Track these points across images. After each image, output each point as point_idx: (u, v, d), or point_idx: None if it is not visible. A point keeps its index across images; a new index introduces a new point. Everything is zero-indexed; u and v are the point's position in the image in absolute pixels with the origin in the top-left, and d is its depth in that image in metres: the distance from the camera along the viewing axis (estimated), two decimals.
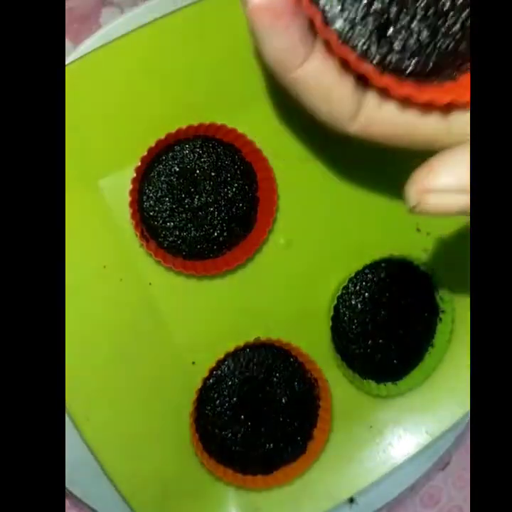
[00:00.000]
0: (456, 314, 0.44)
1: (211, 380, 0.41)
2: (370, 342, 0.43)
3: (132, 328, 0.41)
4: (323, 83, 0.25)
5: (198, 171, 0.41)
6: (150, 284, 0.41)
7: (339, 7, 0.22)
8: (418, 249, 0.44)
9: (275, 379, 0.42)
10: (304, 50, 0.24)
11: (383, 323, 0.43)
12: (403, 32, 0.23)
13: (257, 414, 0.42)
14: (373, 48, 0.23)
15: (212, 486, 0.42)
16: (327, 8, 0.22)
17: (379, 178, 0.44)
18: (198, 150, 0.41)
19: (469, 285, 0.44)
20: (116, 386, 0.40)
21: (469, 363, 0.43)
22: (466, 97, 0.23)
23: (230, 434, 0.41)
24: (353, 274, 0.43)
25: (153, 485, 0.41)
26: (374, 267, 0.43)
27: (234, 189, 0.41)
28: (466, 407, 0.43)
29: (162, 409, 0.41)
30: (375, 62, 0.23)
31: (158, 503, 0.41)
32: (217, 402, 0.41)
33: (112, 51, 0.39)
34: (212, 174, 0.41)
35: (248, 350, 0.42)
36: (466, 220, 0.45)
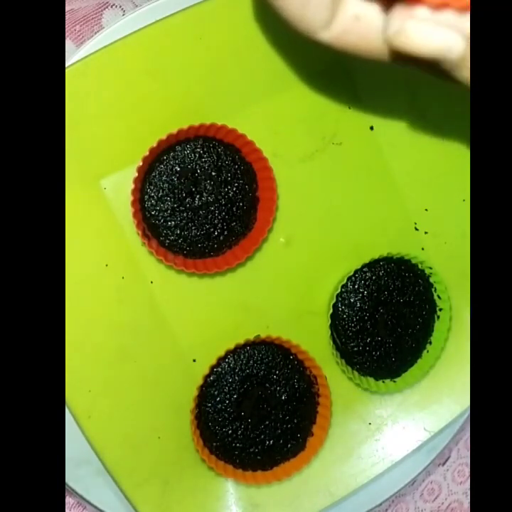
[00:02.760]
0: (454, 312, 0.44)
1: (212, 377, 0.42)
2: (368, 340, 0.43)
3: (134, 326, 0.41)
4: None
5: (198, 171, 0.41)
6: (151, 282, 0.42)
7: None
8: (416, 247, 0.45)
9: (275, 376, 0.42)
10: None
11: (382, 321, 0.44)
12: None
13: (257, 411, 0.42)
14: None
15: (212, 481, 0.42)
16: None
17: (378, 177, 0.44)
18: (198, 150, 0.41)
19: (467, 283, 0.45)
20: (118, 383, 0.41)
21: (467, 360, 0.44)
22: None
23: (230, 431, 0.42)
24: (352, 273, 0.43)
25: (153, 481, 0.41)
26: (373, 265, 0.43)
27: (234, 189, 0.42)
28: (464, 403, 0.44)
29: (163, 406, 0.41)
30: None
31: (158, 499, 0.41)
32: (218, 399, 0.42)
33: (113, 52, 0.40)
34: (213, 174, 0.42)
35: (248, 347, 0.42)
36: (465, 219, 0.46)
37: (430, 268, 0.44)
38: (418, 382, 0.44)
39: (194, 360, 0.42)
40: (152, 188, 0.41)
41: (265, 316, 0.43)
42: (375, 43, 0.25)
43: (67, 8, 0.44)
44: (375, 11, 0.24)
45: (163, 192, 0.41)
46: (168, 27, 0.40)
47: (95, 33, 0.43)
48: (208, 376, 0.41)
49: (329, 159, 0.44)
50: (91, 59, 0.40)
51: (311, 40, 0.26)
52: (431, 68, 0.25)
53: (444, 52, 0.23)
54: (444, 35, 0.23)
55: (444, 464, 0.48)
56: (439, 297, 0.44)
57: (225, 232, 0.42)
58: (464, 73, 0.24)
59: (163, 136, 0.40)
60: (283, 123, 0.43)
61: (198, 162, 0.41)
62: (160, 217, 0.41)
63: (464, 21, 0.22)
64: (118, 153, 0.41)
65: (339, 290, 0.43)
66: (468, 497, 0.48)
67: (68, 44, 0.44)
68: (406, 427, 0.44)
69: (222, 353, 0.41)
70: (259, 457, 0.42)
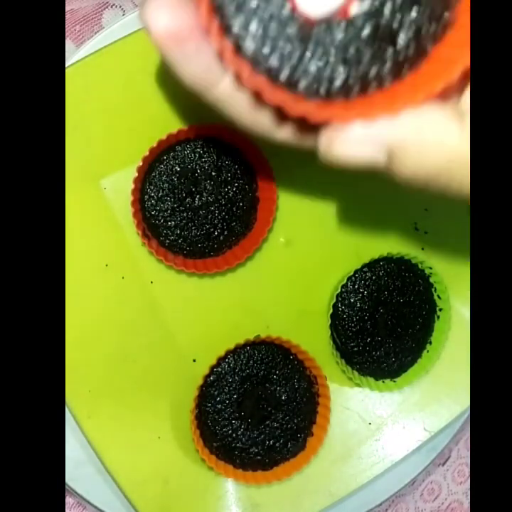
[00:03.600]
0: (454, 312, 0.44)
1: (212, 377, 0.42)
2: (368, 339, 0.43)
3: (134, 326, 0.41)
4: (245, 97, 0.24)
5: (198, 171, 0.41)
6: (151, 282, 0.42)
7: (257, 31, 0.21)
8: (416, 247, 0.45)
9: (275, 376, 0.42)
10: (221, 67, 0.22)
11: (382, 321, 0.44)
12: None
13: (257, 411, 0.42)
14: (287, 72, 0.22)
15: (212, 482, 0.42)
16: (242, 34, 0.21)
17: (378, 177, 0.44)
18: (198, 150, 0.41)
19: (467, 283, 0.45)
20: (118, 384, 0.41)
21: (467, 360, 0.44)
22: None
23: (230, 431, 0.42)
24: (351, 273, 0.43)
25: (154, 481, 0.41)
26: (372, 265, 0.43)
27: (234, 189, 0.42)
28: (464, 403, 0.44)
29: (163, 406, 0.41)
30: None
31: (159, 499, 0.41)
32: (218, 399, 0.42)
33: (113, 52, 0.40)
34: (213, 174, 0.42)
35: (248, 347, 0.42)
36: (465, 219, 0.45)
37: (430, 268, 0.44)
38: (418, 382, 0.44)
39: (194, 360, 0.42)
40: (152, 188, 0.41)
41: (265, 316, 0.43)
42: None
43: (67, 8, 0.44)
44: None
45: (163, 192, 0.41)
46: None
47: (95, 33, 0.43)
48: (207, 376, 0.41)
49: None
50: (91, 59, 0.40)
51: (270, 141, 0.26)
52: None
53: (371, 164, 0.24)
54: (367, 152, 0.24)
55: (444, 464, 0.48)
56: (439, 297, 0.44)
57: (225, 232, 0.42)
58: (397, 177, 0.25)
59: (163, 136, 0.40)
60: None
61: (198, 162, 0.41)
62: (160, 217, 0.41)
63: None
64: (118, 153, 0.41)
65: (339, 290, 0.43)
66: (468, 497, 0.48)
67: (68, 44, 0.44)
68: (406, 427, 0.44)
69: (222, 353, 0.41)
70: (259, 457, 0.42)
